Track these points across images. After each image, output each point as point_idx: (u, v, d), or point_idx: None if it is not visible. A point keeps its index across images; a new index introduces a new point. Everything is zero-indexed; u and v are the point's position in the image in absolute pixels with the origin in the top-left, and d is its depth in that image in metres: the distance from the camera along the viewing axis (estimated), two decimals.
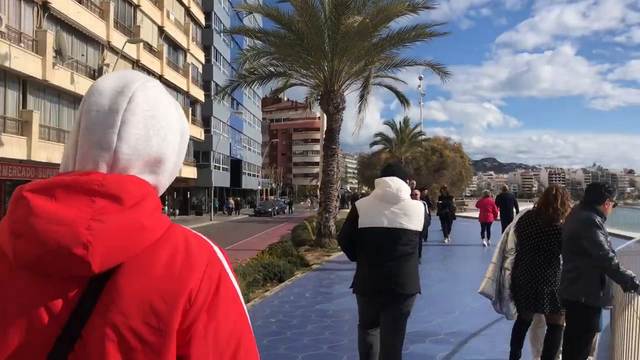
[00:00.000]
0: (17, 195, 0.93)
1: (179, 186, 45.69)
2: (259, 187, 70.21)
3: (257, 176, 72.86)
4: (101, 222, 0.89)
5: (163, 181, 1.07)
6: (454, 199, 20.93)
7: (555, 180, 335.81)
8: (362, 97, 17.01)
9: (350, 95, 18.48)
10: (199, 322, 0.93)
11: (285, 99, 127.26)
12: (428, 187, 32.11)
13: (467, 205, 51.21)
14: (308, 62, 17.72)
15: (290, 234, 22.97)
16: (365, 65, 17.09)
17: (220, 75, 50.54)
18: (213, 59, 51.43)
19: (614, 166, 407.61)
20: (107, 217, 0.90)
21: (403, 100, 21.95)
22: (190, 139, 45.01)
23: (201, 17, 46.91)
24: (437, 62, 18.17)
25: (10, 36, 20.26)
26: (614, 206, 4.23)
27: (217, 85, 52.46)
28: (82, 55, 26.19)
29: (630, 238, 20.03)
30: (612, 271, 3.87)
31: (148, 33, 34.45)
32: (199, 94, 45.27)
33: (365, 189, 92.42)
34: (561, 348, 4.71)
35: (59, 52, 22.53)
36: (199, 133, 45.13)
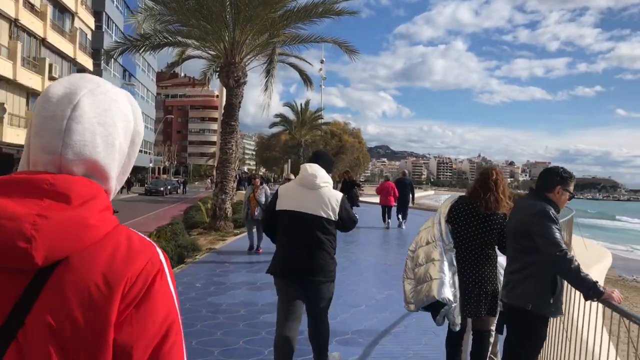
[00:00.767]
0: None
1: None
2: (151, 165, 66.87)
3: (149, 153, 69.33)
4: (46, 218, 0.95)
5: (112, 184, 1.11)
6: (357, 185, 20.34)
7: (443, 170, 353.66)
8: (269, 72, 15.86)
9: (251, 75, 17.38)
10: (129, 309, 0.99)
11: (183, 74, 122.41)
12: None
13: (363, 190, 51.73)
14: (207, 31, 16.33)
15: (183, 215, 21.60)
16: (270, 38, 15.98)
17: (112, 44, 47.05)
18: (104, 26, 47.88)
19: (497, 158, 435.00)
20: (52, 213, 0.96)
21: (306, 79, 21.09)
22: None
23: None
24: (345, 40, 17.38)
25: None
26: (569, 198, 3.57)
27: (112, 57, 48.98)
28: None
29: None
30: (572, 274, 3.19)
31: None
32: (86, 61, 41.96)
33: (263, 170, 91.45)
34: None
35: None
36: None
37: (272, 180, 69.26)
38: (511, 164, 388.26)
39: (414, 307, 4.26)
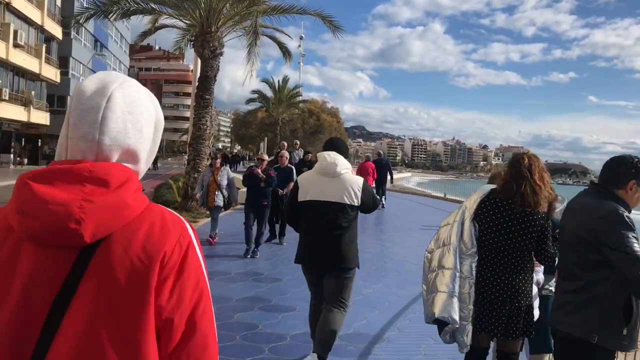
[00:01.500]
0: (20, 182, 1.14)
1: (29, 133, 40.56)
2: None
3: None
4: (91, 202, 1.10)
5: (141, 166, 1.27)
6: None
7: (418, 152, 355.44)
8: (251, 41, 14.77)
9: (228, 51, 16.27)
10: (169, 280, 1.14)
11: (158, 47, 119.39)
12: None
13: None
14: None
15: (153, 192, 20.56)
16: (249, 6, 14.88)
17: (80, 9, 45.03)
18: None
19: (471, 141, 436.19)
20: (95, 197, 1.11)
21: (286, 52, 19.96)
22: (43, 81, 40.20)
23: None
24: (330, 15, 16.32)
25: None
26: None
27: (78, 22, 47.01)
28: None
29: None
30: None
31: None
32: (55, 29, 40.06)
33: (237, 147, 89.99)
34: None
35: None
36: (53, 74, 40.19)
37: (248, 158, 68.03)
38: (484, 147, 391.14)
39: (425, 319, 3.51)
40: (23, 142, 41.68)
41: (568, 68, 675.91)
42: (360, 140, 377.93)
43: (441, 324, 3.34)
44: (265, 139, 43.77)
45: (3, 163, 37.02)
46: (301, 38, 54.98)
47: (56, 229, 1.08)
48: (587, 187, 2.96)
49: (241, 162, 57.02)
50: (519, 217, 3.23)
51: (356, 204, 4.22)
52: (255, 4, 14.77)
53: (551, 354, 3.67)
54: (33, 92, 37.89)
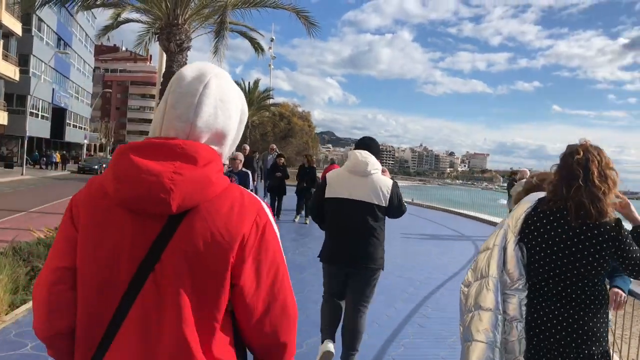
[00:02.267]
0: (119, 151, 1.25)
1: None
2: (86, 142, 63.02)
3: (85, 129, 65.29)
4: (180, 175, 1.20)
5: (225, 150, 1.38)
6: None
7: (385, 158, 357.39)
8: (219, 34, 13.80)
9: (195, 50, 15.24)
10: (248, 258, 1.25)
11: (124, 49, 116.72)
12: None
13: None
14: None
15: None
16: None
17: (45, 9, 43.32)
18: None
19: (438, 148, 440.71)
20: (185, 171, 1.21)
21: (257, 47, 19.05)
22: (0, 79, 38.36)
23: None
24: (304, 9, 15.45)
25: None
26: None
27: (40, 19, 45.28)
28: None
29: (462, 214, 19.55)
30: None
31: None
32: (14, 24, 38.42)
33: None
34: None
35: None
36: (12, 72, 38.49)
37: None
38: (451, 154, 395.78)
39: None
40: None
41: (533, 77, 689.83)
42: (330, 145, 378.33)
43: None
44: None
45: None
46: (272, 40, 54.06)
47: (147, 196, 1.18)
48: None
49: None
50: (578, 233, 2.39)
51: (384, 205, 4.11)
52: None
53: None
54: None
